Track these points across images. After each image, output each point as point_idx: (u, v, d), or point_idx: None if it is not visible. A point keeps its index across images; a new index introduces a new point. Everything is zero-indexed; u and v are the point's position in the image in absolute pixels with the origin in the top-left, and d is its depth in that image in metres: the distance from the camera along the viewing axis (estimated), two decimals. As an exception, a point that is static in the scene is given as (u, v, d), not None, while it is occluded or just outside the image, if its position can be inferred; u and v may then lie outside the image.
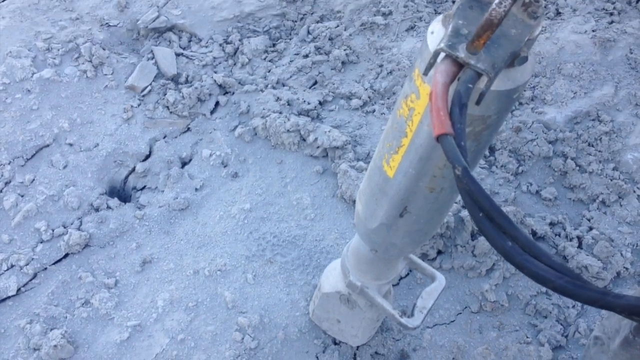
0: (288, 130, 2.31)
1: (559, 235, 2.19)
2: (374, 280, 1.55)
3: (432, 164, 1.05)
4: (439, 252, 2.11)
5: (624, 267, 2.11)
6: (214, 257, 2.05)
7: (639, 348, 1.40)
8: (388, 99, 2.53)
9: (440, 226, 1.63)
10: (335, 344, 1.89)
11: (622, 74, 2.57)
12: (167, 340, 1.86)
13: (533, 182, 2.33)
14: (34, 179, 2.18)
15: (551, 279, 0.77)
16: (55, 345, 1.79)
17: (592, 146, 2.39)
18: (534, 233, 2.16)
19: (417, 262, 1.63)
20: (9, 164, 2.20)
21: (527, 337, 1.98)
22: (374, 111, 2.49)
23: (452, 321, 2.00)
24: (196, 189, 2.26)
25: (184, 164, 2.36)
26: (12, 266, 2.00)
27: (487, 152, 2.36)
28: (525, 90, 2.49)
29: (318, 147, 2.32)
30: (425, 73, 0.90)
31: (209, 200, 2.24)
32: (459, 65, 0.83)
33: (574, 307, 2.06)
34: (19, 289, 1.95)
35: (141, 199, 2.24)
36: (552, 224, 2.22)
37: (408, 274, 2.08)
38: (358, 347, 1.89)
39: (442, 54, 0.85)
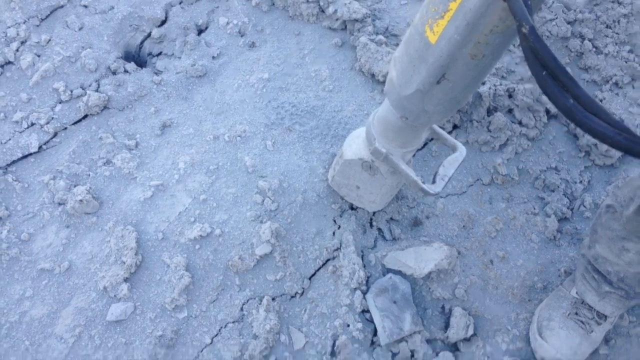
0: (307, 1, 2.28)
1: (571, 114, 2.23)
2: (399, 147, 1.58)
3: (479, 30, 1.05)
4: (455, 127, 2.15)
5: (632, 147, 2.17)
6: (234, 124, 2.07)
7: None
8: (408, -27, 2.48)
9: (472, 96, 1.63)
10: (352, 209, 1.96)
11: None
12: (190, 200, 1.90)
13: (548, 63, 2.34)
14: (50, 40, 2.15)
15: (610, 135, 0.81)
16: (81, 200, 1.83)
17: (610, 28, 2.39)
18: (547, 111, 2.20)
19: (439, 132, 1.66)
20: (24, 23, 2.16)
21: (535, 209, 2.06)
22: (392, -15, 2.45)
23: (464, 192, 2.07)
24: (213, 57, 2.25)
25: (200, 32, 2.33)
26: (33, 124, 2.01)
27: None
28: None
29: (337, 19, 2.29)
30: None
31: (226, 69, 2.23)
32: None
33: (580, 182, 2.13)
34: (40, 147, 1.97)
35: (158, 64, 2.23)
36: (565, 104, 2.25)
37: (424, 146, 2.12)
38: (374, 212, 1.96)
39: None
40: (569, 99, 0.84)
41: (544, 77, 0.86)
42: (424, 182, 1.55)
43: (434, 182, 1.57)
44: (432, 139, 2.12)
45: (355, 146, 1.73)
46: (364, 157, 1.68)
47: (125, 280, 1.74)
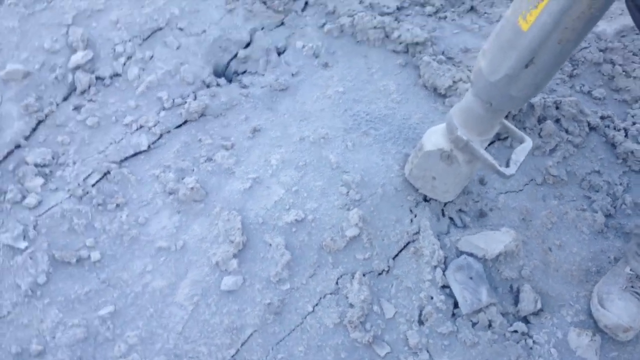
0: (375, 27, 2.59)
1: (609, 127, 2.53)
2: (477, 136, 1.84)
3: (570, 15, 1.31)
4: (510, 133, 2.43)
5: (664, 154, 2.47)
6: (316, 128, 2.34)
7: None
8: (458, 7, 2.82)
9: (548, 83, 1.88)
10: (426, 201, 2.20)
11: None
12: (283, 191, 2.15)
13: (585, 84, 2.65)
14: (152, 56, 2.43)
15: None
16: (192, 188, 2.07)
17: (637, 55, 2.72)
18: (588, 123, 2.49)
19: (509, 126, 1.93)
20: (129, 41, 2.45)
21: (583, 206, 2.32)
22: (445, 17, 2.79)
23: (520, 190, 2.33)
24: (292, 74, 2.54)
25: (279, 53, 2.64)
26: (141, 127, 2.27)
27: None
28: None
29: (400, 42, 2.61)
30: None
31: (304, 84, 2.52)
32: None
33: (620, 184, 2.40)
34: (149, 146, 2.23)
35: (244, 80, 2.52)
36: (602, 118, 2.55)
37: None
38: (445, 204, 2.21)
39: None
40: None
41: None
42: (500, 166, 1.81)
43: (508, 166, 1.84)
44: (495, 141, 2.39)
45: (434, 139, 1.99)
46: (444, 147, 1.94)
47: (234, 256, 1.96)
